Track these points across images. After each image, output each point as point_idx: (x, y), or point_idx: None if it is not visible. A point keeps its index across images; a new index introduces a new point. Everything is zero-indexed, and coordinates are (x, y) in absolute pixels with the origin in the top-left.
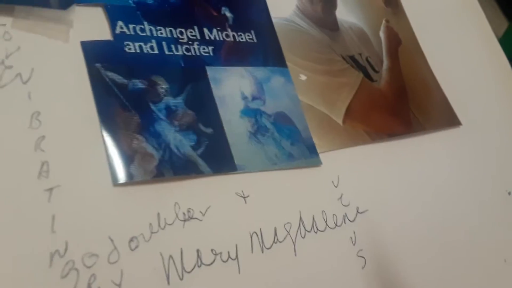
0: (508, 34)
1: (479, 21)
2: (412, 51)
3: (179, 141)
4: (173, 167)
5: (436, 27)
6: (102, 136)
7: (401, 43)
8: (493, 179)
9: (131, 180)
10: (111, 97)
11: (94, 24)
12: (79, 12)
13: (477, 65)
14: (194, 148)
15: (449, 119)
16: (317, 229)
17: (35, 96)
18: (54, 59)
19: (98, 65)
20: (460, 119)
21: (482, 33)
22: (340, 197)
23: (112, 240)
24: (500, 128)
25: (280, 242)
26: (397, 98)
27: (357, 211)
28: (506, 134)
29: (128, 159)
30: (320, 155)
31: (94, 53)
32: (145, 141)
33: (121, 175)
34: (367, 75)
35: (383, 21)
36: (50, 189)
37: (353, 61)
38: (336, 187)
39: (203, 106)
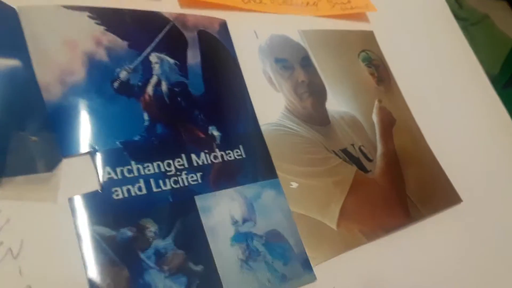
0: None
1: (481, 84)
2: (407, 128)
3: None
4: None
5: (432, 97)
6: None
7: (395, 122)
8: (500, 253)
9: None
10: (100, 254)
11: (81, 175)
12: (65, 164)
13: (476, 134)
14: None
15: (449, 198)
16: None
17: (25, 270)
18: (43, 224)
19: (86, 220)
20: (460, 194)
21: (485, 97)
22: None
23: None
24: (503, 199)
25: None
26: (392, 186)
27: None
28: (510, 205)
29: None
30: (315, 268)
31: (82, 209)
32: None
33: None
34: (360, 167)
35: (376, 102)
36: None
37: (346, 154)
38: None
39: (193, 242)
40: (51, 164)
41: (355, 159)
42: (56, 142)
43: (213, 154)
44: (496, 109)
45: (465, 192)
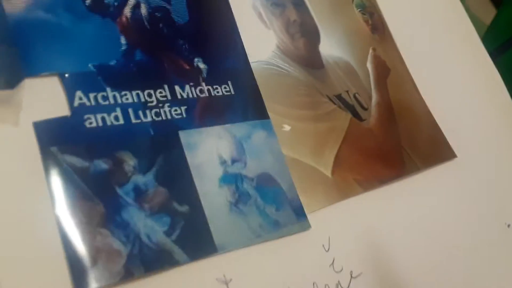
0: (496, 22)
1: (473, 42)
2: (401, 79)
3: (151, 228)
4: (144, 262)
5: (426, 50)
6: (60, 236)
7: (390, 72)
8: (492, 211)
9: (95, 286)
10: (70, 186)
11: (48, 98)
12: (31, 85)
13: (470, 90)
14: (168, 233)
15: (444, 153)
16: None
17: None
18: (2, 148)
19: (53, 148)
20: (455, 150)
21: (477, 54)
22: (332, 263)
23: None
24: (497, 157)
25: None
26: (388, 136)
27: (351, 276)
28: (503, 164)
29: (90, 261)
30: (309, 216)
31: (49, 135)
32: (110, 235)
33: (83, 282)
34: (355, 114)
35: (370, 50)
36: None
37: (340, 101)
38: (327, 251)
39: (177, 179)
40: (12, 81)
41: (350, 106)
42: (19, 58)
43: (199, 87)
44: (488, 68)
45: (460, 148)
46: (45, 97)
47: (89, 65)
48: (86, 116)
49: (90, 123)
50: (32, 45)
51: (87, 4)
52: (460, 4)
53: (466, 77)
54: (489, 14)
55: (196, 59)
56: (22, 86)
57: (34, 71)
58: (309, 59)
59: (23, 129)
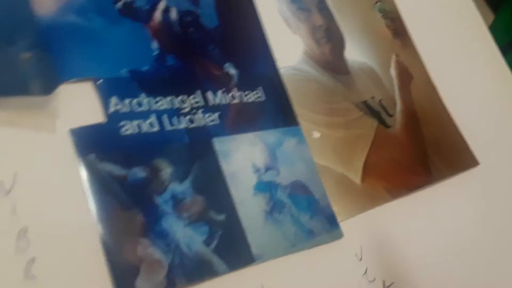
0: (495, 26)
1: (491, 48)
2: (423, 86)
3: (190, 238)
4: (186, 272)
5: (446, 54)
6: (102, 244)
7: (412, 78)
8: None
9: None
10: (109, 194)
11: (84, 104)
12: (66, 91)
13: (491, 95)
14: (207, 242)
15: (466, 160)
16: None
17: (20, 209)
18: (40, 156)
19: (91, 156)
20: (477, 157)
21: (496, 59)
22: (365, 272)
23: None
24: None
25: None
26: (414, 143)
27: (384, 286)
28: None
29: (133, 271)
30: (341, 224)
31: (85, 142)
32: (151, 245)
33: None
34: (381, 121)
35: (393, 56)
36: None
37: (367, 107)
38: (360, 260)
39: (213, 188)
40: (48, 87)
41: (376, 112)
42: (53, 63)
43: (231, 93)
44: (505, 74)
45: (482, 155)
46: (79, 103)
47: (123, 70)
48: (121, 123)
49: (126, 129)
50: (64, 49)
51: (118, 8)
52: (477, 12)
53: (486, 82)
54: (487, 18)
55: (226, 65)
56: (58, 93)
57: (67, 76)
58: (335, 65)
59: (60, 136)
